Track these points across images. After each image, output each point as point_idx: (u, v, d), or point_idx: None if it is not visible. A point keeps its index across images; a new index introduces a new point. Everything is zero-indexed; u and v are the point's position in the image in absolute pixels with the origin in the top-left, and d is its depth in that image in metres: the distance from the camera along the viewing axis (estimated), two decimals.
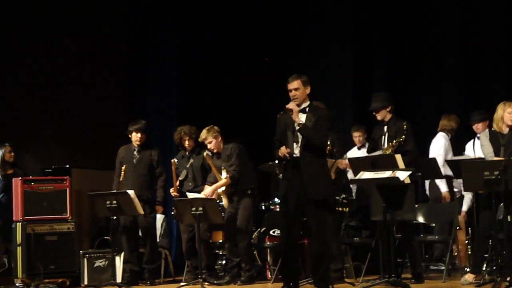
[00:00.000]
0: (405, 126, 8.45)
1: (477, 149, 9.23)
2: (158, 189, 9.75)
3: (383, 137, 8.58)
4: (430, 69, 11.75)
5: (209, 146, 9.34)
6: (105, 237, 10.03)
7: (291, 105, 7.58)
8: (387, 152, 8.33)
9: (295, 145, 7.60)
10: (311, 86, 7.72)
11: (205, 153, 9.31)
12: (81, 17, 11.48)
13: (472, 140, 9.76)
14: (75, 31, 11.43)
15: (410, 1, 11.83)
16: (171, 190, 9.67)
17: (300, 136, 7.58)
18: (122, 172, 9.44)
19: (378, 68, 12.04)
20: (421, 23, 11.76)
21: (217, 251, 10.32)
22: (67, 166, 10.39)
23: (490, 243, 8.43)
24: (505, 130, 8.07)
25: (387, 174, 7.76)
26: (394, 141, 8.41)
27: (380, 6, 11.91)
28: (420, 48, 11.74)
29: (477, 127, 9.56)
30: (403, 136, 8.40)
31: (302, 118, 7.60)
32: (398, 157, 8.04)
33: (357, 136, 10.78)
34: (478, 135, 9.08)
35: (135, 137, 9.71)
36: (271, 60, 12.21)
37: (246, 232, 9.21)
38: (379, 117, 8.63)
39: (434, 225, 9.66)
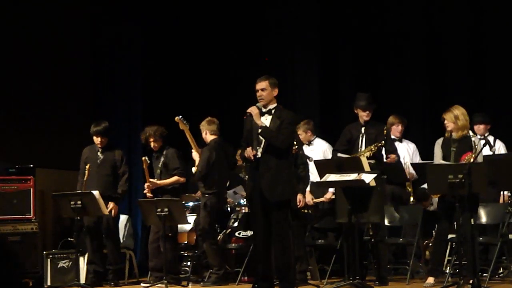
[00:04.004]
0: (385, 131, 8.54)
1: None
2: (119, 187, 9.64)
3: (360, 138, 8.62)
4: (394, 69, 11.82)
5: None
6: (69, 238, 9.96)
7: (251, 109, 7.62)
8: (365, 155, 8.34)
9: (258, 147, 7.63)
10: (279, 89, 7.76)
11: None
12: (44, 16, 11.37)
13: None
14: (39, 30, 11.32)
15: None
16: (145, 191, 9.59)
17: (262, 139, 7.61)
18: (86, 171, 9.36)
19: (343, 81, 12.06)
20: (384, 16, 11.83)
21: (182, 252, 10.28)
22: (31, 166, 10.28)
23: (453, 245, 8.51)
24: (455, 135, 8.19)
25: (352, 176, 7.79)
26: (373, 146, 8.46)
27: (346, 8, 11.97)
28: (387, 50, 11.83)
29: (479, 128, 9.58)
30: (383, 142, 8.47)
31: (268, 119, 7.64)
32: (364, 159, 8.07)
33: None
34: (478, 136, 9.02)
35: (96, 140, 9.62)
36: (239, 60, 12.18)
37: (206, 234, 9.24)
38: (366, 117, 8.64)
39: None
